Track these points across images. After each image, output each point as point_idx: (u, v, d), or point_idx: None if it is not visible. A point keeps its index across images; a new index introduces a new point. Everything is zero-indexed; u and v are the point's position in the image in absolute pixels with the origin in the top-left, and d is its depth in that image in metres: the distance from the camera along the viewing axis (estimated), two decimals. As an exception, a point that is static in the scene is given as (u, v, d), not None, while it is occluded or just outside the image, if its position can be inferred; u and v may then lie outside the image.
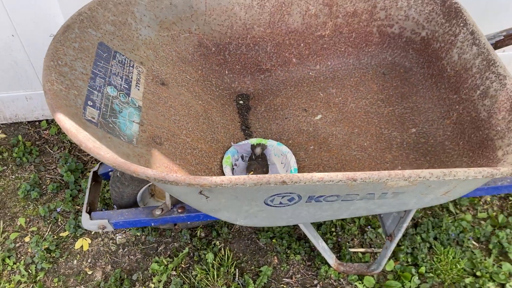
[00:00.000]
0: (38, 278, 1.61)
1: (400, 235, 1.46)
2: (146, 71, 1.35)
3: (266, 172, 1.36)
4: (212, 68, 1.61)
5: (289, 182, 0.93)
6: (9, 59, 1.82)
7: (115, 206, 1.62)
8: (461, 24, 1.42)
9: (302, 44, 1.62)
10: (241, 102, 1.62)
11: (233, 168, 1.39)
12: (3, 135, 2.05)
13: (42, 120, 2.10)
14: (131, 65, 1.32)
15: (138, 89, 1.29)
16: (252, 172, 1.30)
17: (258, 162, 1.34)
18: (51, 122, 2.10)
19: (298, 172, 1.40)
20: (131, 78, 1.29)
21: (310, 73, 1.67)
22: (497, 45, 1.57)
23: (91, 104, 1.11)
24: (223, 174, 1.36)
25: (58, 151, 2.00)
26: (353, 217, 1.80)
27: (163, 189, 1.40)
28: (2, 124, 2.09)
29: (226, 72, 1.64)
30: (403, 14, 1.57)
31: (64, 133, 2.05)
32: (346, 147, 1.46)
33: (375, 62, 1.67)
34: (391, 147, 1.43)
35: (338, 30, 1.60)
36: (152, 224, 1.49)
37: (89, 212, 1.49)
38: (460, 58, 1.41)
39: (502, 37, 1.56)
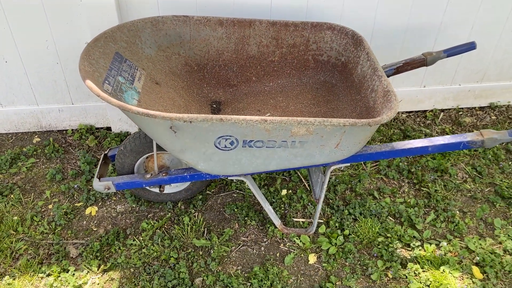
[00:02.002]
0: (56, 230, 2.15)
1: (323, 195, 1.99)
2: (146, 74, 2.01)
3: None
4: (194, 82, 2.27)
5: (225, 120, 1.53)
6: (51, 79, 2.52)
7: (118, 178, 2.19)
8: (362, 49, 2.08)
9: (259, 67, 2.28)
10: (214, 106, 2.26)
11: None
12: (38, 139, 2.69)
13: (68, 129, 2.75)
14: (136, 68, 1.98)
15: (139, 82, 1.94)
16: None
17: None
18: (75, 131, 2.75)
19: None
20: (135, 75, 1.95)
21: (265, 88, 2.31)
22: (398, 70, 2.21)
23: (108, 82, 1.76)
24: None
25: (79, 151, 2.62)
26: (280, 170, 2.33)
27: (139, 126, 1.99)
28: (38, 131, 2.74)
29: (205, 85, 2.29)
30: (328, 46, 2.25)
31: (84, 138, 2.69)
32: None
33: (312, 81, 2.31)
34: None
35: (284, 57, 2.27)
36: (144, 185, 2.06)
37: (99, 178, 2.07)
38: (362, 71, 2.05)
39: (402, 64, 2.21)
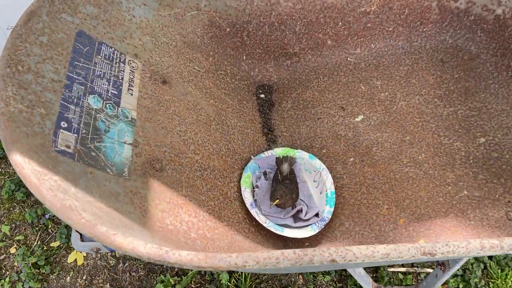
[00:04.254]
0: (25, 299, 1.39)
1: (456, 268, 1.19)
2: (142, 66, 1.04)
3: (296, 195, 1.08)
4: (227, 53, 1.29)
5: (340, 261, 0.65)
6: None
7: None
8: (559, 3, 1.07)
9: (340, 23, 1.28)
10: (262, 96, 1.31)
11: (254, 191, 1.11)
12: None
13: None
14: (122, 60, 1.00)
15: (131, 94, 0.98)
16: (277, 201, 1.02)
17: (285, 186, 1.05)
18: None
19: (336, 194, 1.12)
20: (122, 79, 0.98)
21: (349, 59, 1.34)
22: None
23: (65, 126, 0.82)
24: (242, 199, 1.08)
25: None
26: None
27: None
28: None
29: (244, 57, 1.31)
30: (474, -15, 1.21)
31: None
32: (395, 160, 1.16)
33: (431, 46, 1.32)
34: (453, 163, 1.13)
35: (387, 5, 1.25)
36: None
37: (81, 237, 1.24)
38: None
39: None
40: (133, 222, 0.80)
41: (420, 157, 1.15)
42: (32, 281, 1.42)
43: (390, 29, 1.30)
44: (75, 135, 0.82)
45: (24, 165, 0.68)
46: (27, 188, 1.59)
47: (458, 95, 1.24)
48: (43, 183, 0.67)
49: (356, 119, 1.24)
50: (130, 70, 1.01)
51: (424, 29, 1.31)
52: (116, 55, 1.00)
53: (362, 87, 1.29)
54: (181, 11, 1.16)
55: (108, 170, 0.84)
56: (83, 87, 0.89)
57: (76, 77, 0.89)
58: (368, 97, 1.27)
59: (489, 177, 1.09)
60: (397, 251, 0.65)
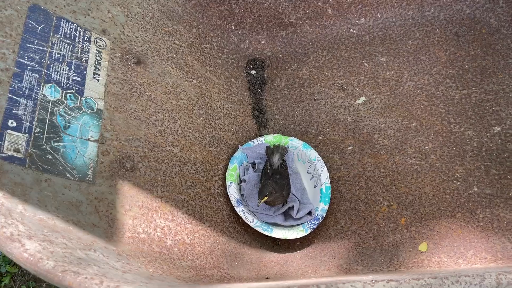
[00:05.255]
0: None
1: None
2: (111, 44, 0.90)
3: (287, 191, 0.97)
4: (213, 23, 1.14)
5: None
6: None
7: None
8: None
9: (343, -10, 1.11)
10: (253, 72, 1.17)
11: (241, 186, 1.00)
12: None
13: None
14: (86, 38, 0.86)
15: (98, 80, 0.85)
16: (266, 198, 0.92)
17: (275, 181, 0.94)
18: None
19: (331, 189, 1.01)
20: (86, 61, 0.84)
21: (352, 30, 1.18)
22: None
23: (14, 125, 0.69)
24: (227, 195, 0.97)
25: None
26: None
27: None
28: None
29: (233, 27, 1.16)
30: None
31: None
32: (399, 150, 1.04)
33: (444, 16, 1.17)
34: (463, 155, 1.01)
35: (399, -31, 1.08)
36: None
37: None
38: None
39: None
40: (96, 237, 0.70)
41: (426, 147, 1.03)
42: (8, 265, 1.35)
43: (400, -4, 1.14)
44: (27, 135, 0.70)
45: (-45, 184, 0.57)
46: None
47: (473, 75, 1.10)
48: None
49: (357, 101, 1.11)
50: (97, 50, 0.87)
51: (439, -3, 1.15)
52: (80, 32, 0.85)
53: (365, 64, 1.15)
54: (158, -24, 1.00)
55: (68, 175, 0.73)
56: (37, 75, 0.76)
57: (28, 62, 0.75)
58: (372, 76, 1.13)
59: (503, 172, 0.98)
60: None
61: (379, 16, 1.18)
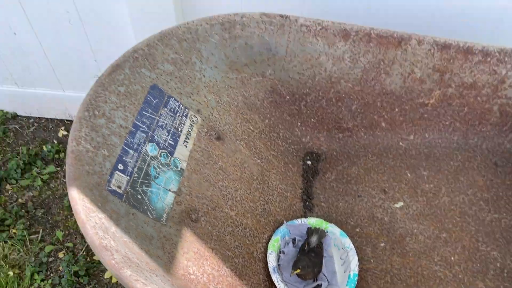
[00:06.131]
0: (61, 303, 1.52)
1: None
2: (201, 121, 1.15)
3: (318, 269, 1.11)
4: (283, 118, 1.37)
5: None
6: (79, 63, 1.72)
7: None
8: None
9: (396, 109, 1.32)
10: (308, 162, 1.37)
11: (279, 257, 1.15)
12: (65, 132, 2.00)
13: (105, 123, 2.01)
14: (185, 113, 1.12)
15: (186, 146, 1.09)
16: (298, 270, 1.06)
17: (310, 258, 1.09)
18: (112, 128, 2.00)
19: (359, 277, 1.13)
20: (181, 131, 1.09)
21: (401, 143, 1.36)
22: None
23: (122, 168, 0.93)
24: (266, 262, 1.13)
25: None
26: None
27: None
28: (66, 120, 2.04)
29: (299, 124, 1.39)
30: (540, 97, 1.20)
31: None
32: (426, 256, 1.15)
33: (486, 146, 1.31)
34: (486, 272, 1.10)
35: (447, 101, 1.27)
36: None
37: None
38: None
39: None
40: (159, 266, 0.88)
41: (452, 258, 1.14)
42: (70, 286, 1.55)
43: (447, 123, 1.32)
44: (128, 177, 0.94)
45: (78, 201, 0.80)
46: (85, 201, 1.76)
47: (506, 202, 1.21)
48: (89, 220, 0.78)
49: (396, 205, 1.26)
50: (190, 124, 1.12)
51: (482, 129, 1.31)
52: (181, 108, 1.12)
53: (408, 174, 1.31)
54: (247, 76, 1.26)
55: (148, 214, 0.94)
56: (144, 135, 1.01)
57: (141, 125, 1.01)
58: (412, 185, 1.28)
59: (522, 296, 1.05)
60: None
61: (426, 136, 1.35)
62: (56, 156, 1.91)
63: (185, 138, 1.09)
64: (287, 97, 1.33)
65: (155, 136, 1.03)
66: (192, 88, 1.16)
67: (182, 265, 0.95)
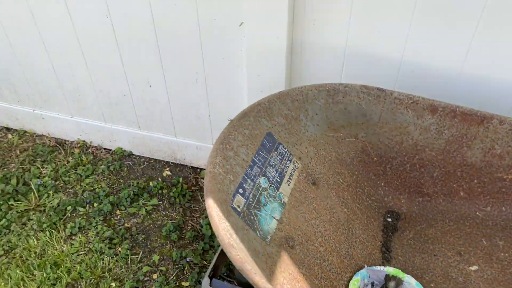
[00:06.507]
0: (150, 318, 1.72)
1: None
2: (301, 167, 1.37)
3: (394, 312, 1.22)
4: (369, 177, 1.55)
5: None
6: (195, 114, 2.06)
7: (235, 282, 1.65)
8: None
9: (475, 180, 1.45)
10: (389, 219, 1.52)
11: (359, 295, 1.28)
12: (169, 173, 2.31)
13: (203, 169, 2.31)
14: (289, 159, 1.35)
15: (288, 185, 1.30)
16: (377, 309, 1.18)
17: (387, 299, 1.21)
18: (209, 174, 2.29)
19: (431, 326, 1.22)
20: (285, 172, 1.32)
21: (477, 213, 1.47)
22: None
23: (241, 192, 1.16)
24: (346, 297, 1.26)
25: (206, 202, 2.15)
26: None
27: None
28: (171, 162, 2.36)
29: (382, 184, 1.56)
30: None
31: (216, 187, 2.21)
32: (499, 317, 1.22)
33: None
34: None
35: (525, 177, 1.39)
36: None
37: (211, 277, 1.54)
38: None
39: None
40: (262, 277, 1.07)
41: (525, 324, 1.20)
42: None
43: (524, 198, 1.42)
44: (245, 200, 1.16)
45: (213, 208, 1.03)
46: (181, 232, 2.01)
47: None
48: (221, 224, 1.00)
49: (471, 268, 1.35)
50: (293, 167, 1.35)
51: (560, 208, 1.39)
52: (287, 154, 1.35)
53: (484, 242, 1.40)
54: (342, 136, 1.49)
55: (257, 233, 1.14)
56: (259, 170, 1.25)
57: (257, 161, 1.25)
58: (487, 252, 1.38)
59: None
60: None
61: (503, 209, 1.45)
62: (160, 191, 2.21)
63: (288, 178, 1.32)
64: (375, 158, 1.53)
65: (267, 172, 1.26)
66: (297, 139, 1.40)
67: (279, 281, 1.12)
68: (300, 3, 1.50)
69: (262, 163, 1.27)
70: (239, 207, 1.13)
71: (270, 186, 1.25)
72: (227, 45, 1.71)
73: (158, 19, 1.74)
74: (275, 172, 1.29)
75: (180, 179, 2.25)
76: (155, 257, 1.92)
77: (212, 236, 1.99)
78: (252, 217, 1.16)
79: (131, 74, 2.00)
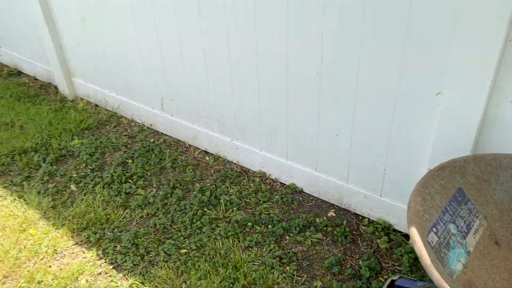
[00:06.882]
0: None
1: None
2: (486, 225, 1.50)
3: None
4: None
5: None
6: (371, 165, 2.31)
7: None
8: None
9: None
10: None
11: None
12: (333, 214, 2.57)
13: (366, 217, 2.51)
14: (476, 215, 1.50)
15: (474, 237, 1.45)
16: None
17: None
18: (371, 222, 2.48)
19: None
20: (472, 226, 1.47)
21: None
22: None
23: (435, 231, 1.36)
24: None
25: (365, 247, 2.34)
26: None
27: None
28: (336, 205, 2.62)
29: None
30: None
31: (377, 235, 2.39)
32: None
33: None
34: None
35: None
36: None
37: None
38: None
39: None
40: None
41: None
42: None
43: None
44: (437, 239, 1.35)
45: (417, 237, 1.24)
46: (341, 267, 2.21)
47: None
48: (423, 250, 1.21)
49: None
50: (479, 224, 1.49)
51: None
52: (474, 211, 1.50)
53: None
54: (528, 206, 1.58)
55: (445, 269, 1.31)
56: (450, 217, 1.43)
57: (449, 209, 1.44)
58: None
59: None
60: None
61: None
62: (324, 228, 2.47)
63: (474, 232, 1.46)
64: (560, 235, 1.57)
65: (456, 221, 1.44)
66: (484, 200, 1.55)
67: (460, 316, 1.26)
68: (503, 82, 1.69)
69: (453, 212, 1.44)
70: (432, 242, 1.33)
71: (458, 233, 1.42)
72: (421, 110, 1.95)
73: (362, 78, 2.08)
74: (463, 223, 1.45)
75: (344, 222, 2.49)
76: (318, 283, 2.16)
77: (370, 278, 2.16)
78: (442, 255, 1.33)
79: (323, 120, 2.36)
